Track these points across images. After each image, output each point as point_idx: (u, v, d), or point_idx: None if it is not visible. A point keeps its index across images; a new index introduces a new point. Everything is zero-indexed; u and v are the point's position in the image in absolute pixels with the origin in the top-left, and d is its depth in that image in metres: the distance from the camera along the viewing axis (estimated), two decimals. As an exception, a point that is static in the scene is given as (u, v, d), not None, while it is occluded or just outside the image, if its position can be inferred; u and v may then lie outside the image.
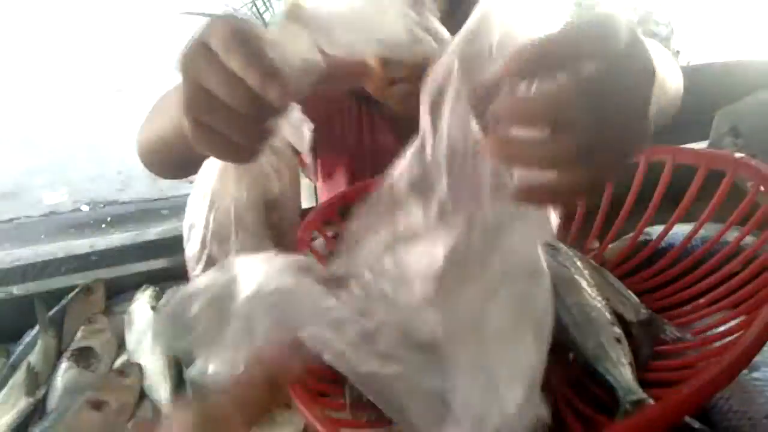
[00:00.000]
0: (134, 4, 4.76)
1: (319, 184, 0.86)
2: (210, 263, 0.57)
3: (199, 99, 0.36)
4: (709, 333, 0.47)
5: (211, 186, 0.58)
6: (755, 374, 0.49)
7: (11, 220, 2.90)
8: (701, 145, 0.79)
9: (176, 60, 0.37)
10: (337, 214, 0.61)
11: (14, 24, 4.62)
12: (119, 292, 0.71)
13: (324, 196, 0.86)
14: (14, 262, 0.77)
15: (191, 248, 0.59)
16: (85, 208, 3.00)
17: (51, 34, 4.49)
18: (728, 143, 0.73)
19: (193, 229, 0.58)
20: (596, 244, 0.63)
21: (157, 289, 0.68)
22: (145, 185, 3.03)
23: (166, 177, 0.73)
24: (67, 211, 2.99)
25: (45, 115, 3.63)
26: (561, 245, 0.57)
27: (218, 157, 0.40)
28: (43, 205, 2.99)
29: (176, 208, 3.21)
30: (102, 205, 3.03)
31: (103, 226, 2.87)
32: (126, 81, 3.88)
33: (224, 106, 0.35)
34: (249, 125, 0.37)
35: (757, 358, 0.50)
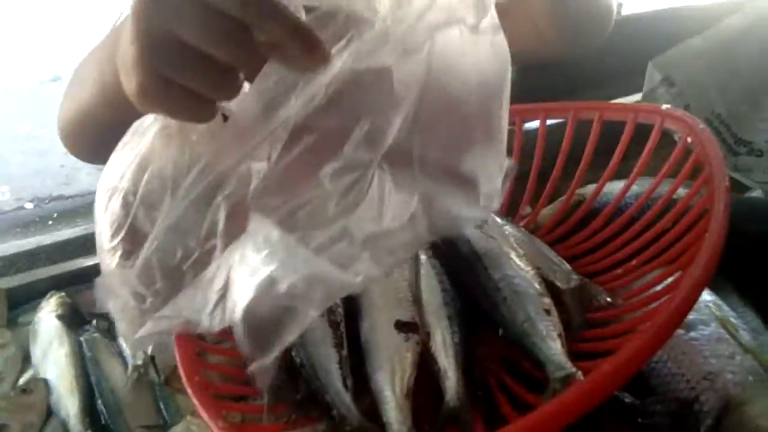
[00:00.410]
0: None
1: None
2: (132, 231, 0.50)
3: (164, 47, 0.30)
4: (642, 296, 0.45)
5: (146, 145, 0.50)
6: (692, 333, 0.48)
7: (-49, 223, 2.76)
8: (636, 98, 0.77)
9: (132, 6, 0.30)
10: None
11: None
12: (25, 300, 0.66)
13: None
14: None
15: (109, 217, 0.51)
16: (29, 205, 2.88)
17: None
18: (662, 93, 0.71)
19: (114, 195, 0.51)
20: (529, 210, 0.60)
21: (63, 294, 0.62)
22: (91, 177, 2.91)
23: (93, 160, 0.69)
24: (11, 210, 2.86)
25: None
26: (493, 217, 0.54)
27: (176, 115, 0.33)
28: (-16, 206, 2.85)
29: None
30: (47, 201, 2.90)
31: (50, 222, 2.76)
32: (63, 68, 3.70)
33: (196, 53, 0.30)
34: (222, 74, 0.31)
35: (693, 316, 0.49)
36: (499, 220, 0.54)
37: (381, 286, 0.48)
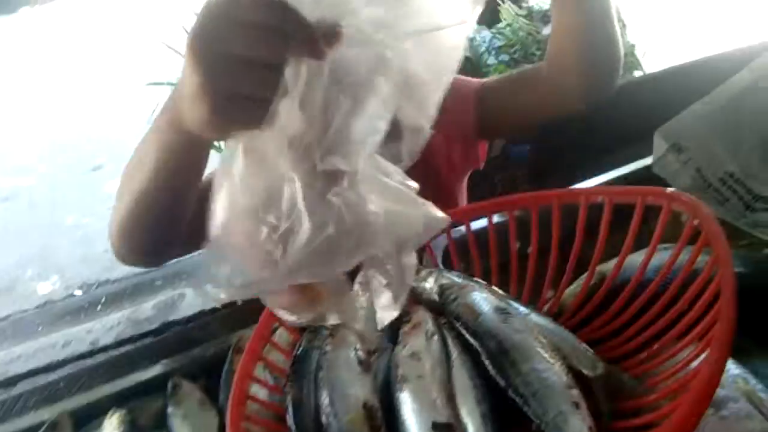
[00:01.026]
0: (112, 79, 4.81)
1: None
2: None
3: (221, 66, 0.38)
4: (665, 384, 0.47)
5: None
6: (723, 412, 0.49)
7: (8, 316, 2.88)
8: (647, 161, 0.79)
9: (191, 35, 0.39)
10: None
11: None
12: (87, 419, 0.69)
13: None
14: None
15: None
16: (78, 292, 2.99)
17: (24, 109, 4.52)
18: (671, 161, 0.73)
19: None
20: (551, 293, 0.62)
21: (125, 411, 0.66)
22: (134, 259, 3.03)
23: (143, 260, 0.70)
24: (61, 299, 2.98)
25: (26, 200, 3.64)
26: (514, 305, 0.57)
27: (242, 124, 0.40)
28: (38, 296, 2.98)
29: (169, 276, 3.20)
30: (94, 287, 3.02)
31: (98, 308, 2.86)
32: (103, 158, 3.89)
33: (249, 62, 0.38)
34: (271, 73, 0.38)
35: (722, 393, 0.50)
36: (523, 309, 0.57)
37: (415, 387, 0.51)
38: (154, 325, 3.17)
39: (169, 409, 0.63)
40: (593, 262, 0.60)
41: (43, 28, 6.15)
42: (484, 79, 0.89)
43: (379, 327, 0.52)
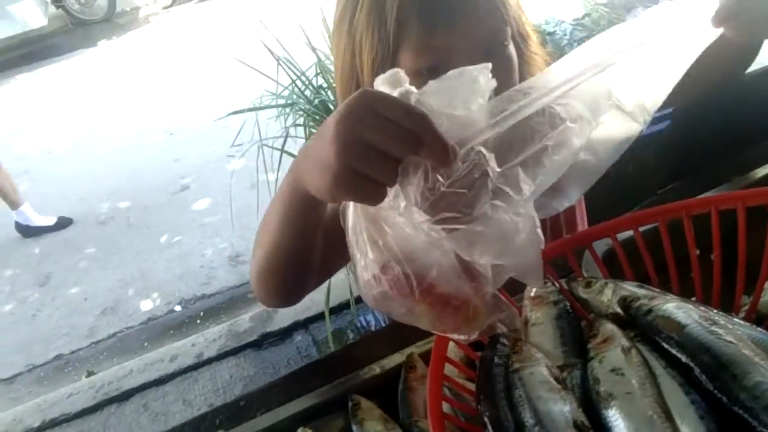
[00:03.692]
0: (190, 105, 5.00)
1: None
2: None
3: (355, 147, 0.45)
4: None
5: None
6: None
7: (114, 334, 3.05)
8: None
9: (339, 117, 0.45)
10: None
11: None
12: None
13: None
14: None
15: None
16: (178, 308, 3.13)
17: (110, 134, 4.78)
18: None
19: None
20: (746, 299, 0.60)
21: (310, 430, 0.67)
22: (227, 274, 3.14)
23: (282, 302, 0.76)
24: (163, 315, 3.12)
25: (123, 222, 3.83)
26: (713, 314, 0.55)
27: (362, 199, 0.47)
28: (141, 313, 3.13)
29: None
30: (192, 302, 3.15)
31: (198, 321, 2.99)
32: (189, 178, 4.06)
33: (378, 152, 0.44)
34: (393, 165, 0.45)
35: None
36: (722, 319, 0.55)
37: (625, 404, 0.50)
38: (253, 337, 3.27)
39: (354, 428, 0.64)
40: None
41: (122, 58, 6.48)
42: None
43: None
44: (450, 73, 0.49)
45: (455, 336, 0.59)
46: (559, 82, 0.51)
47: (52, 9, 7.35)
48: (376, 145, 0.44)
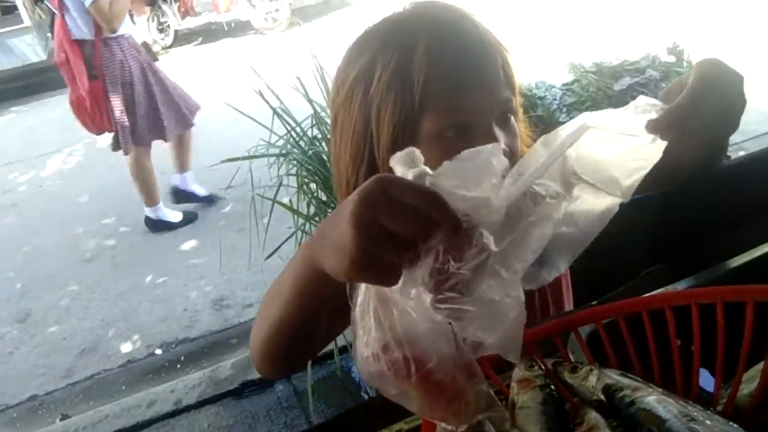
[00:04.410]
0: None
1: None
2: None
3: (374, 233, 0.46)
4: None
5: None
6: None
7: (92, 376, 2.98)
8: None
9: (355, 203, 0.46)
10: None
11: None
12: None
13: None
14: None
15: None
16: (158, 351, 3.08)
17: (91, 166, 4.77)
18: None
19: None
20: (724, 393, 0.62)
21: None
22: (211, 318, 3.10)
23: (286, 368, 0.76)
24: (143, 357, 3.07)
25: (109, 261, 3.80)
26: (691, 409, 0.57)
27: (377, 281, 0.48)
28: (120, 355, 3.07)
29: (243, 335, 3.26)
30: (174, 345, 3.10)
31: (178, 366, 2.94)
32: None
33: (396, 238, 0.46)
34: (410, 249, 0.47)
35: None
36: (700, 415, 0.56)
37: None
38: (234, 385, 3.21)
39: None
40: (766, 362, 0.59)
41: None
42: None
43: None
44: (464, 153, 0.51)
45: (443, 424, 0.60)
46: (540, 163, 0.55)
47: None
48: (393, 230, 0.46)
